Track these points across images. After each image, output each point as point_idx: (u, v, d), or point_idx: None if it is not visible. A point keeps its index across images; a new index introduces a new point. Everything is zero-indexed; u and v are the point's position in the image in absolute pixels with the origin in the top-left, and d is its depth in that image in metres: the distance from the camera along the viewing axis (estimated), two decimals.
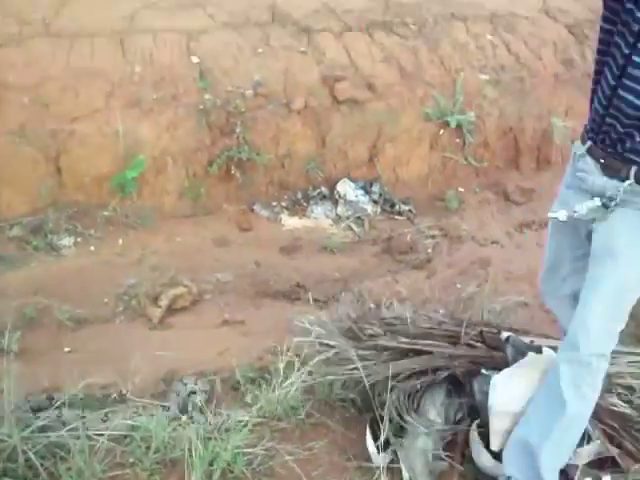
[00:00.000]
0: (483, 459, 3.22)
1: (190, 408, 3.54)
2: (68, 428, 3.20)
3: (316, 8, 6.66)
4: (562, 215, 2.99)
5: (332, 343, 3.60)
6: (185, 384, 3.71)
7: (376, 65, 6.41)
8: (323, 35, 6.47)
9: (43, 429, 3.21)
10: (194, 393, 3.63)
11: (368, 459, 3.29)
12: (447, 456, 3.25)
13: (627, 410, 3.31)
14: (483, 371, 3.35)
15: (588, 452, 3.18)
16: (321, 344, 3.64)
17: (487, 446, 3.23)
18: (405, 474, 3.13)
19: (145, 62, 5.80)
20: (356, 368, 3.40)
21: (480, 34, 7.13)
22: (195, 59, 5.94)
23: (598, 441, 3.19)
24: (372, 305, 4.32)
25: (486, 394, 3.25)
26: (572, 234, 3.19)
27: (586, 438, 3.18)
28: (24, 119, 5.31)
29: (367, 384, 3.35)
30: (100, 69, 5.65)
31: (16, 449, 3.06)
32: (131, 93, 5.59)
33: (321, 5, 6.70)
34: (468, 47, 6.95)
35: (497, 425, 3.17)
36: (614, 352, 3.14)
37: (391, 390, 3.27)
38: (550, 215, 3.09)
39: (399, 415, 3.27)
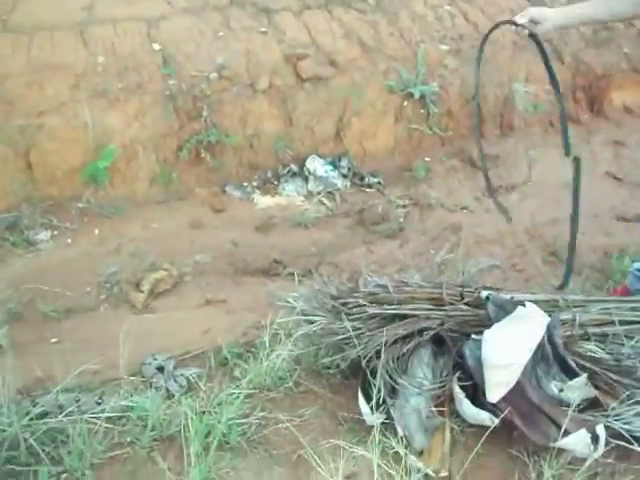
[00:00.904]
0: (464, 407, 3.32)
1: (176, 384, 3.62)
2: (65, 413, 3.27)
3: None
4: None
5: (317, 318, 3.66)
6: (155, 359, 3.78)
7: (337, 41, 6.45)
8: (282, 14, 6.52)
9: (41, 416, 3.27)
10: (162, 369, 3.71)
11: (358, 422, 3.39)
12: (438, 412, 3.33)
13: (603, 355, 3.40)
14: (474, 336, 3.42)
15: (579, 385, 3.27)
16: (306, 320, 3.70)
17: (468, 396, 3.32)
18: (400, 432, 3.21)
19: (107, 52, 5.80)
20: (345, 338, 3.47)
21: (437, 5, 7.19)
22: (157, 46, 5.95)
23: (585, 374, 3.28)
24: (350, 277, 4.40)
25: (477, 358, 3.32)
26: None
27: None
28: None
29: (360, 352, 3.41)
30: (63, 62, 5.65)
31: (17, 437, 3.12)
32: (96, 84, 5.60)
33: None
34: (427, 18, 7.01)
35: (493, 378, 3.24)
36: (585, 301, 3.25)
37: (379, 355, 3.35)
38: None
39: (391, 377, 3.34)
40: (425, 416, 3.27)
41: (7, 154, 5.23)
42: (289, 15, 6.54)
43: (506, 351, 3.25)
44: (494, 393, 3.22)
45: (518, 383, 3.20)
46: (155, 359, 3.78)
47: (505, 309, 3.41)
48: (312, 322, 3.66)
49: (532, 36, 3.58)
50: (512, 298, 3.53)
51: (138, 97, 5.61)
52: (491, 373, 3.24)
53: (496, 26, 3.88)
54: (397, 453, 3.10)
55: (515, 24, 3.58)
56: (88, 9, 6.12)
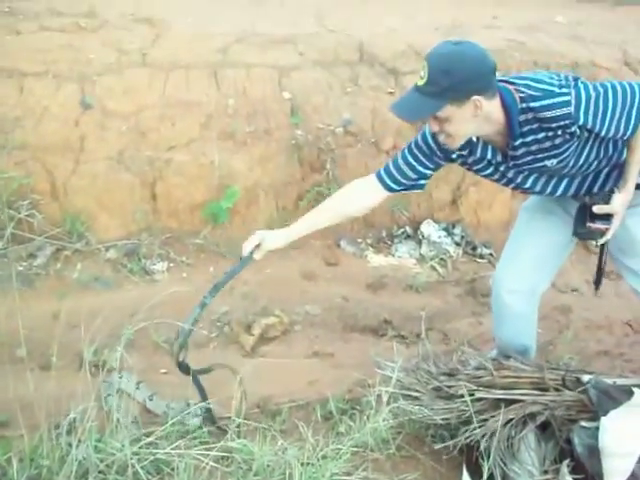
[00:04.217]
0: None
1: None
2: (173, 446, 3.30)
3: (402, 50, 6.74)
4: None
5: (416, 394, 3.64)
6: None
7: None
8: (410, 77, 6.53)
9: (150, 445, 3.30)
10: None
11: None
12: None
13: None
14: (583, 423, 3.37)
15: None
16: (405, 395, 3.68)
17: None
18: None
19: (238, 95, 5.92)
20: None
21: None
22: (287, 95, 6.06)
23: None
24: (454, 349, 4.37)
25: (587, 446, 3.26)
26: None
27: None
28: (122, 146, 5.49)
29: (472, 436, 3.39)
30: (195, 100, 5.79)
31: (126, 462, 3.15)
32: (225, 125, 5.72)
33: (407, 47, 6.77)
34: None
35: (613, 466, 3.18)
36: None
37: (491, 437, 3.32)
38: None
39: (503, 462, 3.31)
40: None
41: (134, 183, 5.38)
42: (416, 79, 6.56)
43: (626, 439, 3.19)
44: None
45: (633, 473, 3.14)
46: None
47: (609, 394, 3.35)
48: (411, 396, 3.64)
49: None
50: (614, 382, 3.47)
51: (265, 143, 5.70)
52: (610, 462, 3.18)
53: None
54: None
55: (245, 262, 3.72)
56: (223, 51, 6.25)
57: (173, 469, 3.21)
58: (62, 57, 5.70)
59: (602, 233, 3.20)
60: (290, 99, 6.05)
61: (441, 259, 5.86)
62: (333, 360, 4.51)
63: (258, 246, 3.66)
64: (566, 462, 3.34)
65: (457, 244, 6.06)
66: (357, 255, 5.81)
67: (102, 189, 5.32)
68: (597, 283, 3.78)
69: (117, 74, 5.79)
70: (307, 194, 5.72)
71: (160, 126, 5.60)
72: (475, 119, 3.01)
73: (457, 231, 6.13)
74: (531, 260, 3.65)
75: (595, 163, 3.27)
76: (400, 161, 3.44)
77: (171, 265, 5.27)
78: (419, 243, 5.98)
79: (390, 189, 3.50)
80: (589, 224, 3.19)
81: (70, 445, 3.11)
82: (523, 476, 3.28)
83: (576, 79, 3.06)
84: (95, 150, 5.43)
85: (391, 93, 6.32)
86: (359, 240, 5.94)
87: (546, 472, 3.35)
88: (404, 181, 3.47)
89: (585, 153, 3.19)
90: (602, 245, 3.50)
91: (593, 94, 2.99)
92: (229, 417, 3.57)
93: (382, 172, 3.49)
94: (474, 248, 6.07)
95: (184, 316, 4.18)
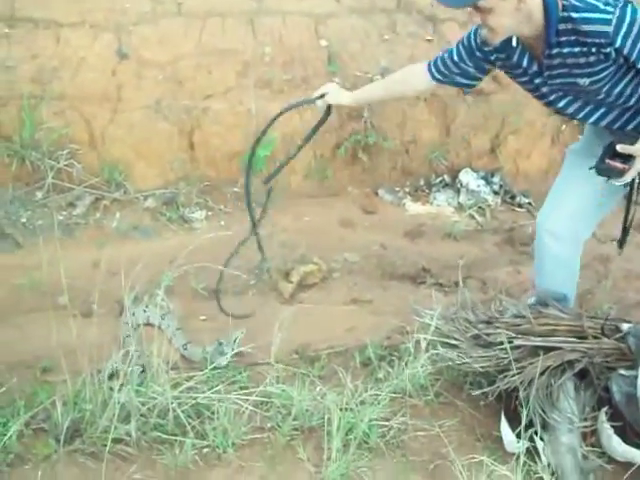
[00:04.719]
0: (613, 444, 3.27)
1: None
2: (213, 391, 3.35)
3: None
4: None
5: (455, 342, 3.64)
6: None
7: None
8: (448, 24, 6.45)
9: (190, 389, 3.35)
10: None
11: (496, 441, 3.40)
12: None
13: None
14: (621, 372, 3.36)
15: None
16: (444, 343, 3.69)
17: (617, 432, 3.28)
18: (545, 466, 3.18)
19: (275, 43, 5.88)
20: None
21: None
22: (323, 42, 6.01)
23: None
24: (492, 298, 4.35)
25: (625, 394, 3.27)
26: None
27: None
28: (159, 95, 5.47)
29: (511, 383, 3.38)
30: (231, 48, 5.75)
31: (167, 406, 3.21)
32: (262, 73, 5.69)
33: None
34: None
35: None
36: None
37: (529, 384, 3.33)
38: None
39: (542, 410, 3.31)
40: (581, 456, 3.23)
41: (172, 132, 5.38)
42: (454, 26, 6.47)
43: None
44: None
45: None
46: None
47: None
48: (449, 344, 3.65)
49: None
50: None
51: (302, 91, 5.65)
52: None
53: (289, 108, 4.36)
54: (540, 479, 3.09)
55: (308, 102, 4.22)
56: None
57: (213, 413, 3.27)
58: (98, 7, 5.66)
59: (620, 172, 3.14)
60: (327, 47, 6.00)
61: (479, 208, 5.84)
62: (371, 307, 4.53)
63: (324, 96, 3.99)
64: (604, 410, 3.36)
65: (495, 193, 6.03)
66: (395, 203, 5.81)
67: (140, 138, 5.33)
68: (621, 242, 3.78)
69: (153, 23, 5.75)
70: (345, 142, 5.70)
71: (197, 75, 5.58)
72: (517, 14, 3.02)
73: (496, 180, 6.09)
74: (574, 207, 3.62)
75: (632, 99, 3.23)
76: (446, 55, 3.58)
77: (209, 213, 5.29)
78: (457, 192, 5.96)
79: (435, 79, 3.68)
80: (608, 160, 3.14)
81: (112, 389, 3.16)
82: (563, 424, 3.29)
83: (628, 2, 3.01)
84: (132, 99, 5.43)
85: (429, 41, 6.26)
86: (397, 188, 5.94)
87: (585, 419, 3.36)
88: (448, 74, 3.63)
89: (621, 84, 3.16)
90: (628, 204, 3.52)
91: (639, 20, 2.94)
92: (268, 362, 3.59)
93: (432, 62, 3.66)
94: (513, 197, 6.04)
95: (222, 263, 4.24)
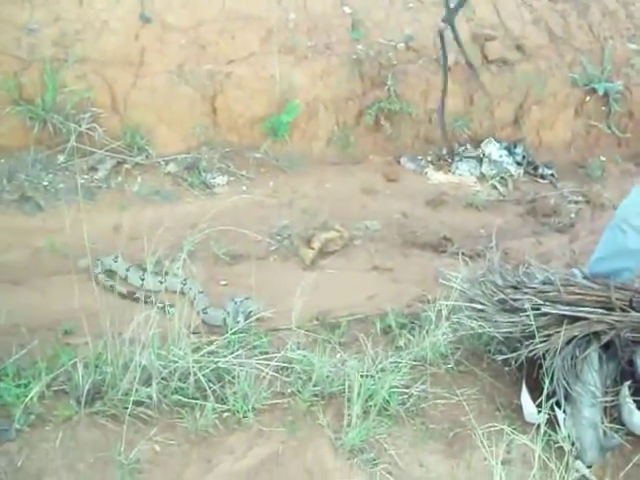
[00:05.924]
0: (634, 418, 3.29)
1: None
2: (234, 355, 3.34)
3: None
4: None
5: (481, 307, 3.63)
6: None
7: (526, 27, 6.38)
8: None
9: (211, 354, 3.35)
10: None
11: (515, 410, 3.41)
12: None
13: None
14: None
15: None
16: (469, 307, 3.67)
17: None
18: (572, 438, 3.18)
19: (299, 9, 5.86)
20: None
21: (630, 2, 6.99)
22: (347, 10, 5.98)
23: None
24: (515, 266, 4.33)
25: None
26: None
27: None
28: (182, 59, 5.45)
29: (535, 350, 3.37)
30: (255, 14, 5.72)
31: (188, 370, 3.21)
32: (286, 39, 5.67)
33: None
34: (617, 14, 6.85)
35: None
36: None
37: (554, 354, 3.31)
38: None
39: (566, 381, 3.29)
40: (602, 433, 3.21)
41: (194, 97, 5.36)
42: None
43: None
44: None
45: None
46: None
47: None
48: (475, 308, 3.64)
49: None
50: None
51: (325, 57, 5.64)
52: None
53: None
54: (560, 449, 3.07)
55: None
56: None
57: (234, 377, 3.27)
58: None
59: None
60: (351, 14, 5.97)
61: (502, 178, 5.81)
62: (392, 275, 4.52)
63: None
64: (627, 384, 3.35)
65: (518, 164, 6.00)
66: (417, 172, 5.78)
67: (162, 103, 5.30)
68: None
69: None
70: (368, 110, 5.67)
71: (220, 40, 5.55)
72: None
73: (518, 150, 6.05)
74: None
75: None
76: None
77: (231, 179, 5.26)
78: (480, 162, 5.92)
79: None
80: None
81: (133, 352, 3.16)
82: (586, 397, 3.27)
83: None
84: (155, 64, 5.40)
85: None
86: (419, 157, 5.91)
87: (606, 393, 3.34)
88: None
89: None
90: None
91: None
92: (289, 328, 3.59)
93: None
94: (535, 168, 6.01)
95: (244, 229, 4.22)
